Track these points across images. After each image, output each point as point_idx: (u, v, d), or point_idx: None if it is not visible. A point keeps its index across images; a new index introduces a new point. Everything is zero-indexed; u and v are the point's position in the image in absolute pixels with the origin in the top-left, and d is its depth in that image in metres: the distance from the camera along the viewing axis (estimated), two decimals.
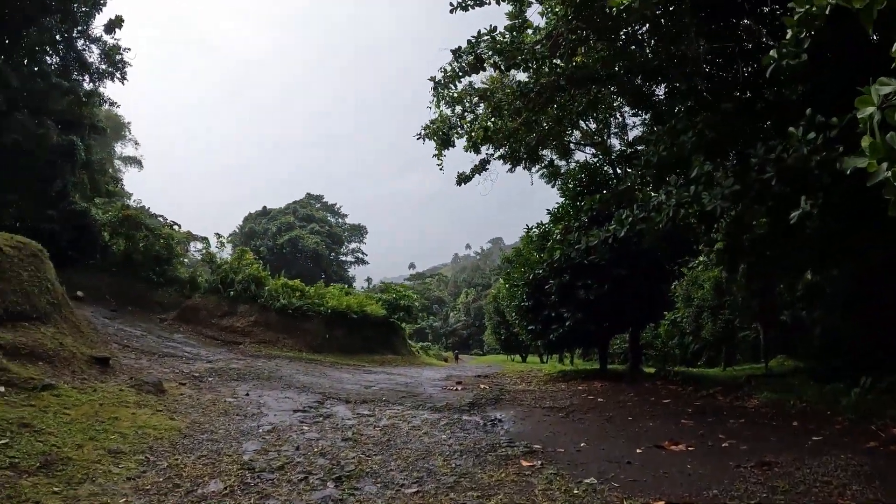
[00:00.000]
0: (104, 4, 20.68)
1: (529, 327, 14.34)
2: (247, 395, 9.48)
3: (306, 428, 7.24)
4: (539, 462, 5.57)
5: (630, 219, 6.90)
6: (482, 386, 12.88)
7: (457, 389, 12.09)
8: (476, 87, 10.97)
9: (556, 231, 12.98)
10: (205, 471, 5.15)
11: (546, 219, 14.56)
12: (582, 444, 6.41)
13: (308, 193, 75.72)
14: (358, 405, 9.26)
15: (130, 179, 62.28)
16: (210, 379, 10.69)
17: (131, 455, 5.33)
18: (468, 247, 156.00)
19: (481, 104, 10.64)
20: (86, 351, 8.96)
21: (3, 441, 4.81)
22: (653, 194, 7.17)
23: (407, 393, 11.05)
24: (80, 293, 16.44)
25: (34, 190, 17.99)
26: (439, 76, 9.64)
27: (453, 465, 5.48)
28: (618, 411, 8.75)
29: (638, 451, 6.02)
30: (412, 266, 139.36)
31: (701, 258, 14.95)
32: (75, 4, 19.17)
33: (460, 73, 9.46)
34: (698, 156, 6.49)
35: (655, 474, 5.07)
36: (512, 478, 5.03)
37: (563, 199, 14.33)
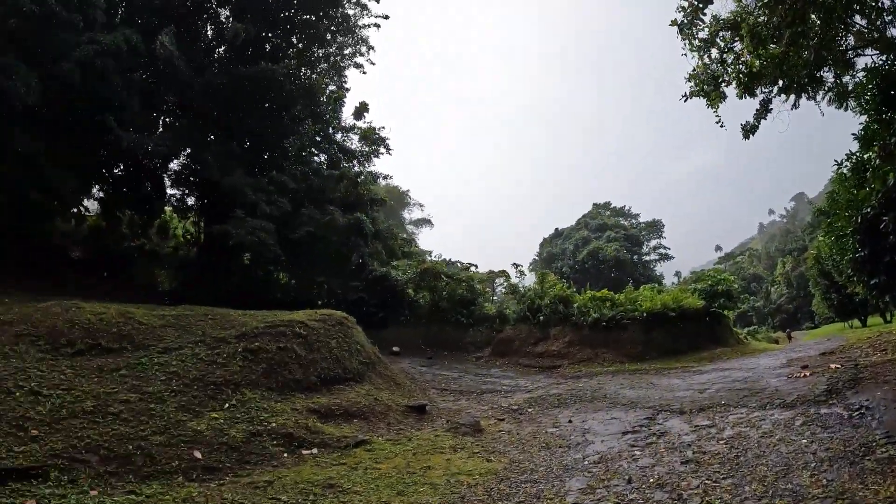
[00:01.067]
0: (345, 98, 24.98)
1: (872, 281, 12.94)
2: (569, 421, 9.26)
3: (638, 453, 6.63)
4: None
5: None
6: (832, 366, 11.56)
7: (804, 375, 11.12)
8: (722, 18, 10.61)
9: (871, 155, 11.75)
10: None
11: (854, 147, 13.00)
12: None
13: (594, 204, 77.62)
14: (694, 415, 8.54)
15: (426, 238, 73.04)
16: (529, 410, 10.73)
17: None
18: (771, 212, 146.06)
19: (736, 39, 10.30)
20: (401, 401, 9.69)
21: None
22: None
23: (747, 390, 10.11)
24: (395, 349, 18.95)
25: (336, 267, 22.08)
26: (679, 17, 9.75)
27: (824, 482, 4.75)
28: None
29: None
30: (718, 248, 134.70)
31: None
32: (319, 108, 23.25)
33: (699, 4, 9.34)
34: None
35: None
36: None
37: (864, 117, 12.67)
